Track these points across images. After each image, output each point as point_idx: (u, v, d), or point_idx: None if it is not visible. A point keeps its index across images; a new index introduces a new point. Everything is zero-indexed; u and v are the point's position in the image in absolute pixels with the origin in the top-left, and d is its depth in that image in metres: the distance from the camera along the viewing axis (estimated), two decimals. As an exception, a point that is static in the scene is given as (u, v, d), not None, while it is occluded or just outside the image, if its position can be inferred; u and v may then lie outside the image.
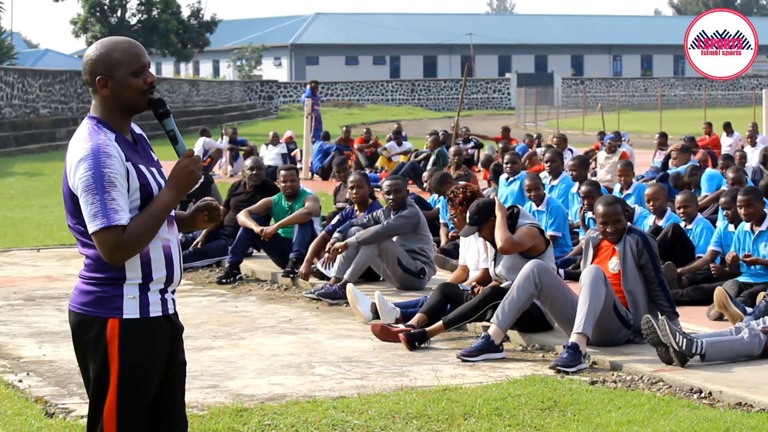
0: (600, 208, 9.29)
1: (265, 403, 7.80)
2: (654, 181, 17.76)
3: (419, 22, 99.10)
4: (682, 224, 11.97)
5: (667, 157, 21.43)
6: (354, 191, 12.93)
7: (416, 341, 9.63)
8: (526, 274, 9.21)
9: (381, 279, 12.49)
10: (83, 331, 4.49)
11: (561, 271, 12.10)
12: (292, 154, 29.43)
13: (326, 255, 12.37)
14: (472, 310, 9.69)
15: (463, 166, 20.04)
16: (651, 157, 25.89)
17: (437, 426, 7.21)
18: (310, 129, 28.83)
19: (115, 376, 4.44)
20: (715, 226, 11.87)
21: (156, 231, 4.42)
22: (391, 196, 12.22)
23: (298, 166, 27.44)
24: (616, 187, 15.39)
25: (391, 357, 9.35)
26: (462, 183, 11.20)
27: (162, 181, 4.53)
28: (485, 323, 9.70)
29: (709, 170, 17.88)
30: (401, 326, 10.01)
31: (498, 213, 9.85)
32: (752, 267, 10.73)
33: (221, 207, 14.57)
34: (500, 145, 25.21)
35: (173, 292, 4.62)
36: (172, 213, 4.62)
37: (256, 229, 13.47)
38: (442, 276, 12.33)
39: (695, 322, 9.97)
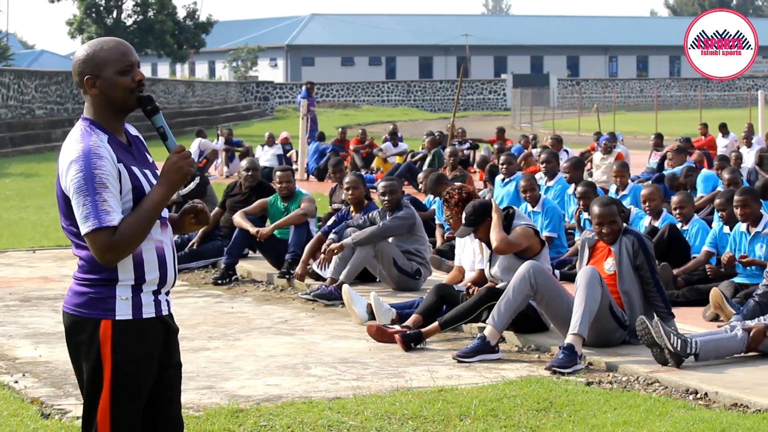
0: (596, 209, 9.29)
1: (261, 404, 7.80)
2: (650, 182, 17.76)
3: (415, 23, 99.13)
4: (678, 225, 11.99)
5: (663, 158, 21.47)
6: (350, 192, 12.93)
7: (412, 342, 9.63)
8: (522, 275, 9.21)
9: (377, 280, 12.49)
10: (77, 333, 4.49)
11: (557, 272, 12.11)
12: (288, 155, 29.44)
13: (322, 256, 12.37)
14: (468, 311, 9.69)
15: (458, 167, 20.01)
16: (647, 158, 25.93)
17: (433, 427, 7.21)
18: (306, 130, 28.84)
19: (109, 377, 4.44)
20: (710, 227, 11.88)
21: (148, 230, 4.41)
22: (386, 197, 12.23)
23: (294, 167, 27.47)
24: (612, 188, 15.40)
25: (386, 358, 9.35)
26: (458, 184, 11.19)
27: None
28: (481, 324, 9.71)
29: (704, 171, 17.90)
30: (397, 327, 10.01)
31: (494, 214, 9.86)
32: (748, 268, 10.73)
33: (217, 208, 14.72)
34: (496, 146, 25.21)
35: (167, 293, 4.62)
36: (167, 215, 4.62)
37: (252, 230, 13.47)
38: (438, 277, 12.33)
39: (691, 323, 9.98)
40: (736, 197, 10.87)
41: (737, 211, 10.85)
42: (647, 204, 12.33)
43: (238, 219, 13.66)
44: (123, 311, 4.45)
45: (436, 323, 9.72)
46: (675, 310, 9.46)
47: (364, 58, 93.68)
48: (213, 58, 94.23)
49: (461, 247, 11.07)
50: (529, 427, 7.16)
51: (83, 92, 4.54)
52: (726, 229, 11.34)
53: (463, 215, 10.04)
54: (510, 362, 9.11)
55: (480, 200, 10.34)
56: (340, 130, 31.95)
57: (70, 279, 4.57)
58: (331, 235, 12.45)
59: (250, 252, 14.42)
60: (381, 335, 9.93)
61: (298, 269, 12.69)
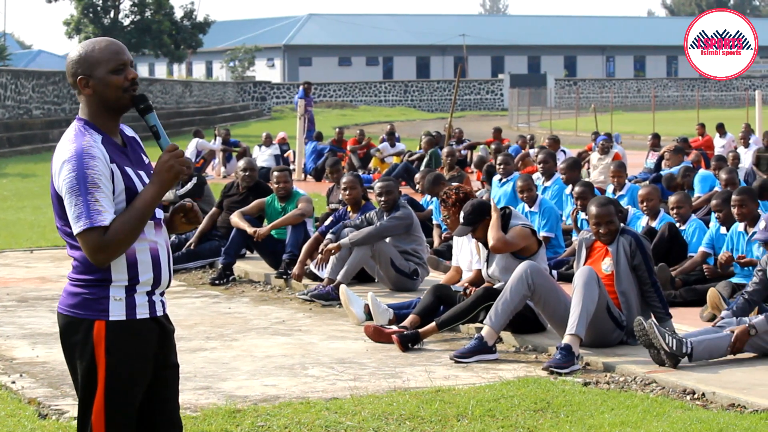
0: (593, 209, 9.30)
1: (258, 404, 7.79)
2: (647, 182, 17.77)
3: (412, 23, 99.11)
4: (676, 225, 11.99)
5: (660, 158, 21.46)
6: (347, 192, 12.93)
7: (409, 342, 9.63)
8: (519, 275, 9.21)
9: (374, 280, 12.49)
10: (71, 333, 4.49)
11: (554, 272, 12.11)
12: (285, 155, 29.44)
13: (319, 256, 12.37)
14: (465, 311, 9.69)
15: (456, 167, 20.02)
16: (644, 158, 25.93)
17: (430, 427, 7.21)
18: (303, 130, 28.83)
19: (103, 378, 4.44)
20: (708, 227, 11.88)
21: (140, 230, 4.40)
22: (382, 198, 12.23)
23: (291, 167, 27.47)
24: (609, 188, 15.40)
25: (384, 358, 9.35)
26: (455, 184, 11.19)
27: None
28: (478, 324, 9.70)
29: (702, 171, 17.90)
30: (394, 327, 10.01)
31: (493, 213, 9.86)
32: (746, 268, 10.73)
33: (215, 208, 14.71)
34: (493, 147, 25.23)
35: (162, 294, 4.60)
36: (161, 216, 4.61)
37: (249, 230, 13.47)
38: (435, 277, 12.33)
39: (688, 323, 9.97)
40: (733, 197, 10.88)
41: (735, 211, 10.85)
42: (645, 204, 12.33)
43: (236, 219, 13.66)
44: (116, 312, 4.44)
45: (433, 324, 9.72)
46: (672, 311, 9.46)
47: (361, 58, 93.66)
48: (210, 58, 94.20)
49: (458, 247, 11.08)
50: (527, 428, 7.16)
51: (77, 93, 4.54)
52: (723, 229, 11.34)
53: (462, 214, 10.04)
54: (507, 362, 9.11)
55: (479, 199, 10.35)
56: (337, 130, 31.96)
57: (67, 280, 4.57)
58: (329, 236, 12.44)
59: (248, 252, 14.42)
60: (378, 335, 9.92)
61: (295, 269, 12.69)
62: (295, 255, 13.01)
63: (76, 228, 4.32)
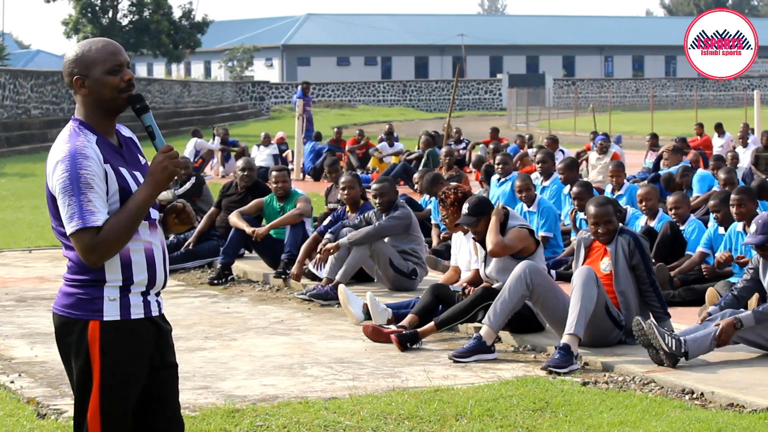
0: (592, 209, 9.29)
1: (257, 404, 7.79)
2: (646, 181, 17.76)
3: (411, 23, 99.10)
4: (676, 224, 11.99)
5: (659, 157, 21.45)
6: (345, 192, 12.92)
7: (408, 342, 9.63)
8: (518, 275, 9.21)
9: (373, 280, 12.49)
10: (66, 333, 4.50)
11: (553, 271, 12.11)
12: (284, 155, 29.43)
13: (318, 256, 12.37)
14: (464, 311, 9.69)
15: (454, 166, 20.02)
16: (642, 157, 25.93)
17: (429, 427, 7.20)
18: (302, 130, 28.83)
19: (98, 378, 4.44)
20: (707, 227, 11.88)
21: (133, 230, 4.39)
22: (377, 200, 12.21)
23: (290, 167, 27.44)
24: (608, 188, 15.40)
25: (382, 358, 9.35)
26: (453, 184, 11.19)
27: None
28: (477, 324, 9.70)
29: (700, 171, 17.89)
30: (393, 327, 10.01)
31: (493, 216, 9.85)
32: (744, 268, 10.72)
33: (213, 208, 14.71)
34: (491, 146, 25.23)
35: (158, 294, 4.60)
36: (156, 216, 4.60)
37: (248, 230, 13.47)
38: (434, 277, 12.33)
39: (687, 323, 9.94)
40: (732, 196, 10.88)
41: (734, 211, 10.85)
42: (644, 204, 12.33)
43: (234, 219, 13.66)
44: (111, 312, 4.44)
45: (432, 323, 9.72)
46: (671, 311, 9.46)
47: (359, 57, 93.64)
48: (209, 58, 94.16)
49: (457, 247, 11.08)
50: (525, 427, 7.15)
51: (73, 93, 4.53)
52: (721, 230, 11.34)
53: (467, 205, 10.00)
54: (506, 362, 9.11)
55: (483, 196, 10.38)
56: (335, 130, 31.95)
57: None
58: (327, 235, 12.44)
59: (246, 252, 14.42)
60: (377, 335, 9.92)
61: (294, 269, 12.68)
62: (293, 255, 13.00)
63: (69, 228, 4.33)
